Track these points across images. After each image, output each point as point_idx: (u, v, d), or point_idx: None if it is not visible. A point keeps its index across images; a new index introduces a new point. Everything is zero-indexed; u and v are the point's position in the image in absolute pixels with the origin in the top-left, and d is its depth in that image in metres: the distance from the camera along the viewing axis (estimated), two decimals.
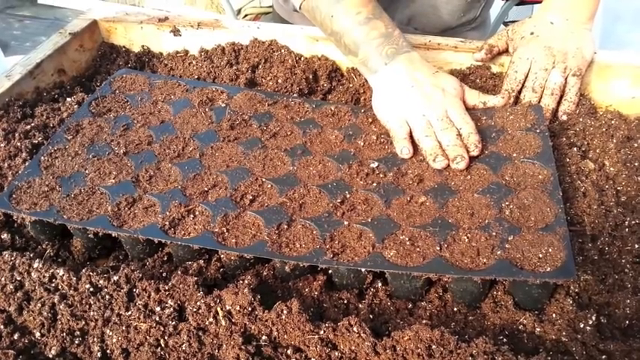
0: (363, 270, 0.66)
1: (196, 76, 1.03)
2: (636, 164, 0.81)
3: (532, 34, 0.93)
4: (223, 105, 0.93)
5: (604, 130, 0.87)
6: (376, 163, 0.80)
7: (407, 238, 0.68)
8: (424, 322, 0.64)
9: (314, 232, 0.70)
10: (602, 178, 0.80)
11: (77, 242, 0.76)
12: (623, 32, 2.69)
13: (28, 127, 0.88)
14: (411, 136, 0.83)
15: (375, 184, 0.77)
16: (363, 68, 0.90)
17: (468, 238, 0.67)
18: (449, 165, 0.79)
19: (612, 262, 0.70)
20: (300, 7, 0.94)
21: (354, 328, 0.59)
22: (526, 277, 0.61)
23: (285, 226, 0.71)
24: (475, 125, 0.83)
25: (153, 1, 2.91)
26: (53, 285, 0.66)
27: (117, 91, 0.96)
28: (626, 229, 0.73)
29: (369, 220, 0.71)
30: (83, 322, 0.63)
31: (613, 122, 0.88)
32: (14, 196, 0.75)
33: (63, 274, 0.66)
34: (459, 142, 0.80)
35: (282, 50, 1.03)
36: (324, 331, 0.59)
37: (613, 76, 0.94)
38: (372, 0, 0.89)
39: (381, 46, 0.86)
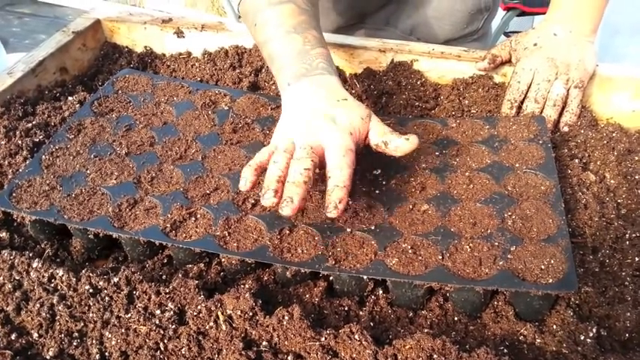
0: (364, 277, 0.66)
1: (199, 79, 1.03)
2: (637, 177, 0.82)
3: (535, 45, 0.94)
4: (226, 108, 0.92)
5: (605, 142, 0.87)
6: (379, 170, 0.80)
7: (409, 247, 0.67)
8: (425, 330, 0.64)
9: (316, 238, 0.69)
10: (603, 191, 0.80)
11: (76, 242, 0.75)
12: (621, 46, 2.71)
13: (30, 125, 0.88)
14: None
15: (377, 191, 0.76)
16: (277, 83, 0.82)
17: (470, 247, 0.67)
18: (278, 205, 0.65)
19: (613, 275, 0.70)
20: (238, 11, 0.90)
21: (356, 336, 0.59)
22: (528, 288, 0.61)
23: (287, 231, 0.70)
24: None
25: (153, 3, 2.91)
26: (52, 285, 0.66)
27: (119, 91, 0.96)
28: (627, 242, 0.73)
29: (372, 228, 0.71)
30: (82, 324, 0.62)
31: (614, 135, 0.88)
32: (14, 194, 0.74)
33: (62, 275, 0.66)
34: (302, 180, 0.65)
35: None
36: (326, 338, 0.59)
37: (614, 88, 0.95)
38: (303, 14, 0.82)
39: (291, 64, 0.78)
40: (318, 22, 0.85)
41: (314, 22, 0.83)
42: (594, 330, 0.63)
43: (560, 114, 0.91)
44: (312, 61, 0.78)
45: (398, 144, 0.72)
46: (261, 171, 0.70)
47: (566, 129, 0.91)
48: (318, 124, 0.71)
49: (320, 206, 0.74)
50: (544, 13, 1.00)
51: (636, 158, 0.84)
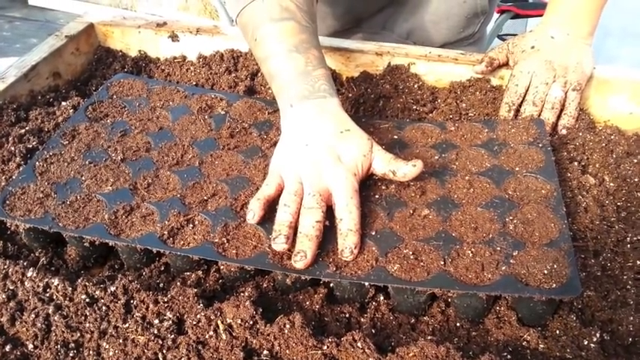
0: (365, 284, 0.65)
1: (194, 83, 1.02)
2: (636, 180, 0.81)
3: (533, 47, 0.93)
4: (223, 112, 0.91)
5: (603, 145, 0.87)
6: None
7: (410, 252, 0.67)
8: (428, 337, 0.63)
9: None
10: (603, 194, 0.80)
11: (72, 250, 0.74)
12: (612, 48, 2.73)
13: (23, 131, 0.86)
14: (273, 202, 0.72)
15: (377, 196, 0.76)
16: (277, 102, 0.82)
17: (472, 252, 0.66)
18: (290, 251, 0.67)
19: (614, 279, 0.70)
20: (236, 22, 0.88)
21: (358, 344, 0.58)
22: (532, 293, 0.61)
23: None
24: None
25: (146, 7, 2.90)
26: (48, 295, 0.64)
27: (114, 96, 0.94)
28: (628, 245, 0.73)
29: (372, 233, 0.70)
30: (78, 334, 0.61)
31: (612, 137, 0.88)
32: (8, 202, 0.73)
33: (58, 284, 0.64)
34: (315, 234, 0.67)
35: None
36: (328, 347, 0.58)
37: (611, 91, 0.95)
38: (304, 32, 0.81)
39: (293, 84, 0.77)
40: (318, 39, 0.84)
41: (314, 40, 0.82)
42: (597, 335, 0.62)
43: (559, 117, 0.91)
44: (314, 83, 0.77)
45: (405, 171, 0.73)
46: (268, 205, 0.72)
47: (564, 132, 0.90)
48: (325, 164, 0.72)
49: None
50: (537, 16, 1.00)
51: (635, 161, 0.84)
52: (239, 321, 0.60)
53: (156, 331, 0.60)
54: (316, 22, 0.86)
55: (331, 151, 0.73)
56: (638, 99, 0.93)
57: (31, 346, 0.61)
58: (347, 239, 0.67)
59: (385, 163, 0.74)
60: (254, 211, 0.70)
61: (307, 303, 0.68)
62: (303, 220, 0.69)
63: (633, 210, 0.78)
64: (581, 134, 0.89)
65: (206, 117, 0.90)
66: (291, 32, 0.80)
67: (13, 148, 0.83)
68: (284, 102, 0.79)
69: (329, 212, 0.71)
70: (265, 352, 0.59)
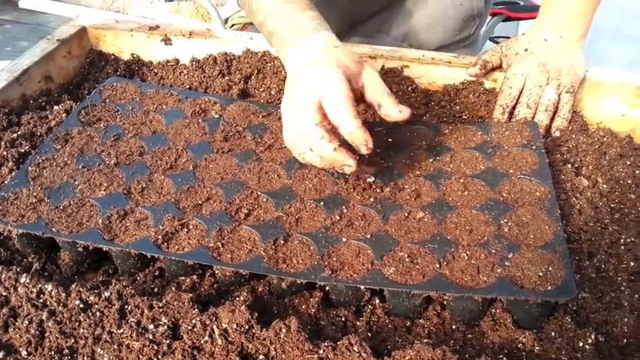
0: (361, 287, 0.65)
1: (187, 86, 1.02)
2: (629, 182, 0.82)
3: (526, 50, 0.94)
4: (217, 116, 0.91)
5: (596, 147, 0.87)
6: (373, 178, 0.79)
7: (406, 255, 0.67)
8: (424, 340, 0.63)
9: (311, 248, 0.68)
10: (596, 196, 0.80)
11: (65, 255, 0.73)
12: (604, 49, 2.75)
13: (15, 135, 0.86)
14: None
15: (372, 199, 0.76)
16: (281, 53, 0.83)
17: (467, 255, 0.66)
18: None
19: (609, 280, 0.70)
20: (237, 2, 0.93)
21: (355, 348, 0.58)
22: (527, 295, 0.61)
23: (282, 242, 0.69)
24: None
25: (138, 10, 2.89)
26: (41, 301, 0.64)
27: (107, 100, 0.94)
28: (622, 247, 0.73)
29: (368, 237, 0.70)
30: (72, 340, 0.61)
31: (605, 139, 0.88)
32: (0, 207, 0.72)
33: (51, 290, 0.64)
34: (332, 147, 0.71)
35: (276, 61, 1.02)
36: (324, 351, 0.58)
37: (603, 93, 0.95)
38: None
39: (289, 29, 0.80)
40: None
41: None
42: (592, 336, 0.62)
43: (552, 119, 0.92)
44: (309, 21, 0.80)
45: (389, 112, 0.74)
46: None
47: (557, 134, 0.91)
48: (313, 87, 0.72)
49: (315, 215, 0.73)
50: (529, 19, 1.00)
51: (627, 162, 0.84)
52: (235, 326, 0.60)
53: (151, 337, 0.60)
54: None
55: (317, 75, 0.72)
56: (629, 101, 0.94)
57: (24, 353, 0.60)
58: (356, 139, 0.70)
59: (378, 92, 0.74)
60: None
61: (303, 307, 0.68)
62: (319, 151, 0.72)
63: (627, 211, 0.78)
64: (574, 136, 0.90)
65: (200, 120, 0.90)
66: None
67: (5, 153, 0.82)
68: (286, 45, 0.80)
69: (326, 211, 0.73)
70: (261, 356, 0.58)
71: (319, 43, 0.76)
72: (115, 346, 0.59)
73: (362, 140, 0.70)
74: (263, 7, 0.87)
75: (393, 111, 0.73)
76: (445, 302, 0.67)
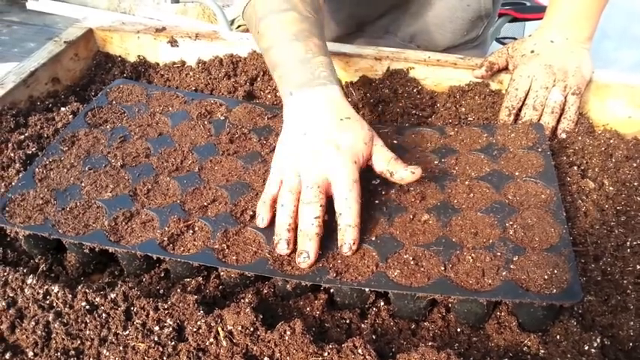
0: (366, 290, 0.65)
1: (193, 88, 1.02)
2: (635, 184, 0.81)
3: (532, 52, 0.93)
4: (222, 118, 0.91)
5: (603, 149, 0.87)
6: (377, 180, 0.79)
7: (411, 258, 0.67)
8: (429, 343, 0.63)
9: None
10: (602, 198, 0.80)
11: (71, 257, 0.74)
12: (610, 50, 2.74)
13: (22, 137, 0.86)
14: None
15: (377, 202, 0.76)
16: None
17: (472, 258, 0.66)
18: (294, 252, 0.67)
19: (615, 283, 0.70)
20: (243, 17, 0.90)
21: (359, 350, 0.58)
22: (532, 299, 0.61)
23: None
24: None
25: (144, 11, 2.90)
26: (48, 302, 0.64)
27: (114, 102, 0.94)
28: (628, 250, 0.73)
29: (372, 239, 0.70)
30: (79, 342, 0.61)
31: (611, 141, 0.88)
32: (7, 209, 0.73)
33: (58, 291, 0.64)
34: (315, 232, 0.67)
35: None
36: (329, 353, 0.58)
37: (610, 95, 0.95)
38: (305, 21, 0.81)
39: (293, 72, 0.77)
40: (322, 29, 0.84)
41: (316, 29, 0.82)
42: (598, 340, 0.62)
43: (558, 121, 0.91)
44: (314, 70, 0.77)
45: (403, 176, 0.72)
46: (275, 204, 0.72)
47: (563, 136, 0.90)
48: (323, 153, 0.71)
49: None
50: (535, 19, 1.00)
51: (634, 165, 0.84)
52: (239, 327, 0.60)
53: (156, 338, 0.60)
54: (321, 14, 0.87)
55: (330, 140, 0.71)
56: (636, 103, 0.93)
57: (31, 354, 0.60)
58: (346, 235, 0.67)
59: (385, 162, 0.73)
60: (262, 215, 0.71)
61: (308, 309, 0.68)
62: (302, 216, 0.68)
63: (633, 214, 0.78)
64: (580, 138, 0.90)
65: (205, 122, 0.90)
66: (292, 22, 0.81)
67: (12, 155, 0.83)
68: (285, 90, 0.78)
69: (330, 206, 0.71)
70: (266, 358, 0.58)
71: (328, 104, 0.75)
72: (121, 348, 0.60)
73: (351, 239, 0.67)
74: (268, 36, 0.82)
75: (406, 174, 0.72)
76: (450, 305, 0.67)
